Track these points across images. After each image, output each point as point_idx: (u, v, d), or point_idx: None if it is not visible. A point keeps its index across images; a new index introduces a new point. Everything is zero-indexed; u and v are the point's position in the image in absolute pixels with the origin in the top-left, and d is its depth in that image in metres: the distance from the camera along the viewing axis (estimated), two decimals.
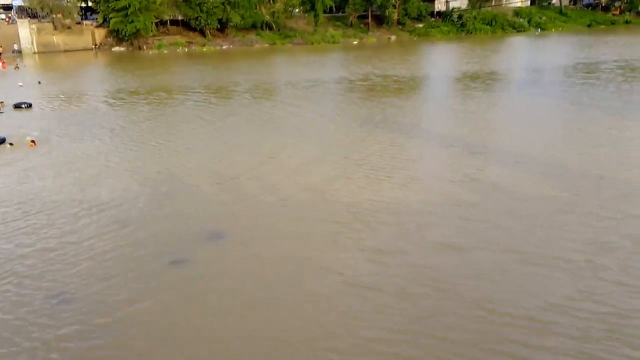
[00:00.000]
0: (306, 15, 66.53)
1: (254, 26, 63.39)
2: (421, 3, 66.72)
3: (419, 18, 67.78)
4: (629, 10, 73.81)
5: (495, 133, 18.60)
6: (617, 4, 74.87)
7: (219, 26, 61.61)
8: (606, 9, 75.31)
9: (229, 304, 8.27)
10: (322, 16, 65.41)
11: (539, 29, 66.76)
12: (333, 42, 61.85)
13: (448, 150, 16.13)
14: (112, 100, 27.40)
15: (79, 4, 63.41)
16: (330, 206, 11.85)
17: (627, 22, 71.59)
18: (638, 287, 8.23)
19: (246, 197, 12.67)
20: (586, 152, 15.39)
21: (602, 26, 70.14)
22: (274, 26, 63.97)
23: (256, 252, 9.85)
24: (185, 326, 7.73)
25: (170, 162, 15.86)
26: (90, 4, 64.08)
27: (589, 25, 70.29)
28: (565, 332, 7.27)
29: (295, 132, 19.07)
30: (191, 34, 62.39)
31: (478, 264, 9.11)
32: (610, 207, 11.26)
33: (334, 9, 70.33)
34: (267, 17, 63.22)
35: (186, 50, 59.19)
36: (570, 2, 76.94)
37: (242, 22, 61.26)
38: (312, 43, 61.54)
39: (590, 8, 76.73)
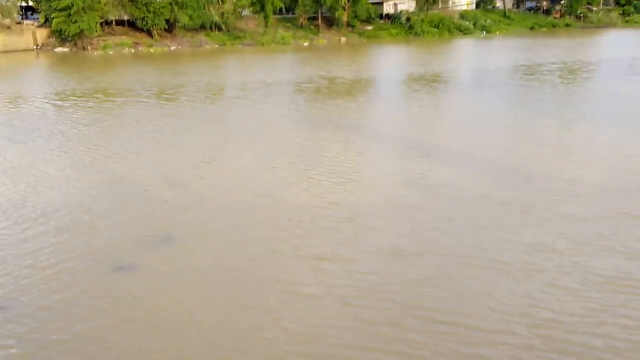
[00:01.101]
0: (256, 16, 66.31)
1: (203, 27, 62.72)
2: (370, 5, 67.60)
3: (368, 20, 68.63)
4: (569, 14, 76.87)
5: (441, 135, 18.98)
6: (557, 7, 77.80)
7: (166, 27, 60.67)
8: (547, 12, 78.15)
9: (161, 320, 8.09)
10: (272, 17, 65.31)
11: (484, 32, 68.65)
12: (283, 44, 61.86)
13: (394, 152, 16.33)
14: (53, 103, 26.55)
15: (18, 3, 61.24)
16: (273, 211, 11.77)
17: (567, 25, 74.56)
18: (575, 290, 8.43)
19: (191, 202, 12.51)
20: (528, 153, 15.80)
21: (544, 29, 72.73)
22: (224, 27, 63.48)
23: (196, 261, 9.67)
24: (119, 341, 7.53)
25: (114, 166, 15.47)
26: (30, 3, 61.94)
27: (531, 28, 72.78)
28: (506, 341, 7.25)
29: (243, 134, 18.95)
30: (138, 34, 61.19)
31: (423, 270, 9.10)
32: (551, 208, 11.49)
33: (283, 10, 70.34)
34: (217, 18, 62.68)
35: (132, 51, 58.00)
36: (513, 5, 79.44)
37: (190, 23, 60.51)
38: (263, 44, 61.40)
39: (532, 11, 79.46)
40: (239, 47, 60.54)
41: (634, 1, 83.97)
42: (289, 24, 67.79)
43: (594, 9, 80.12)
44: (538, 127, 19.23)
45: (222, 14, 63.11)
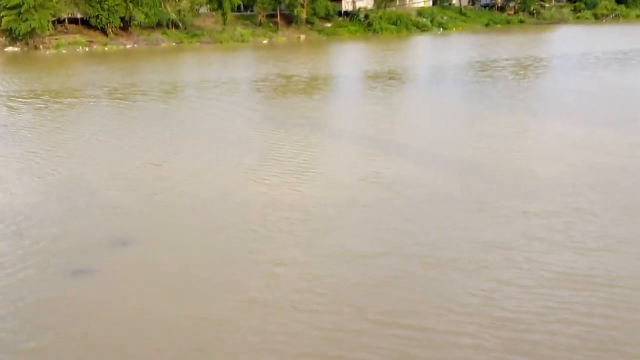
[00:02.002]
0: (214, 13, 65.43)
1: (159, 25, 61.47)
2: (329, 2, 67.52)
3: (327, 17, 68.53)
4: (523, 11, 78.58)
5: (397, 132, 19.05)
6: (511, 4, 79.43)
7: (121, 25, 59.23)
8: (502, 9, 79.69)
9: (111, 332, 7.81)
10: (230, 15, 64.53)
11: (441, 29, 69.49)
12: (242, 41, 61.25)
13: (350, 151, 16.28)
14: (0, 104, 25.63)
15: None
16: (228, 214, 11.54)
17: (521, 21, 76.21)
18: (529, 287, 8.49)
19: (144, 205, 12.18)
20: (482, 150, 15.96)
21: (499, 25, 74.11)
22: (181, 25, 62.41)
23: (148, 269, 9.39)
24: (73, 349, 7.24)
25: (62, 170, 14.95)
26: None
27: (486, 25, 74.06)
28: (462, 343, 7.24)
29: (196, 134, 18.56)
30: (92, 32, 59.56)
31: (378, 272, 9.03)
32: (505, 205, 11.60)
33: (242, 7, 69.66)
34: (173, 15, 61.55)
35: (87, 49, 56.47)
36: (469, 2, 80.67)
37: (146, 21, 59.21)
38: (221, 42, 60.63)
39: (487, 8, 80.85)
40: (196, 45, 59.62)
41: None
42: (247, 22, 67.13)
43: (547, 5, 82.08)
44: (492, 123, 19.51)
45: (179, 11, 62.00)
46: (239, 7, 67.74)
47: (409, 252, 9.73)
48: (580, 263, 9.15)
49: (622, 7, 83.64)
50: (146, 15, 58.99)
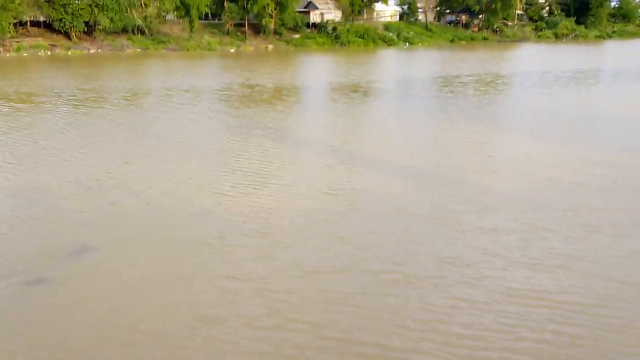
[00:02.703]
0: (181, 21, 64.95)
1: (125, 30, 60.72)
2: (297, 14, 67.86)
3: (295, 28, 68.81)
4: (486, 28, 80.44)
5: (359, 146, 19.08)
6: (476, 21, 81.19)
7: (86, 29, 58.27)
8: (466, 26, 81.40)
9: (61, 348, 7.54)
10: (197, 22, 64.18)
11: (407, 43, 70.50)
12: (209, 49, 60.95)
13: (310, 164, 16.23)
14: None
15: None
16: (186, 226, 11.34)
17: (485, 38, 78.00)
18: (485, 303, 8.55)
19: (99, 215, 11.87)
20: (443, 164, 16.07)
21: (463, 42, 75.64)
22: (147, 31, 61.74)
23: (104, 283, 9.12)
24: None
25: (21, 176, 14.53)
26: None
27: (451, 41, 75.51)
28: None
29: (155, 144, 18.27)
30: (55, 36, 58.41)
31: (337, 287, 8.95)
32: (464, 220, 11.70)
33: (209, 15, 69.37)
34: (139, 21, 60.88)
35: (49, 53, 55.30)
36: (434, 18, 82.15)
37: (111, 26, 58.39)
38: (188, 49, 60.21)
39: (452, 25, 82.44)
40: (162, 52, 59.01)
41: (546, 17, 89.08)
42: (215, 30, 66.84)
43: (510, 24, 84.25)
44: (453, 138, 19.78)
45: (145, 17, 61.36)
46: (206, 15, 67.47)
47: (368, 267, 9.69)
48: (534, 280, 9.27)
49: (582, 27, 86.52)
50: (111, 20, 58.22)
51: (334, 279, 9.30)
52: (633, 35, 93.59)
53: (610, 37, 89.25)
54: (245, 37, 65.95)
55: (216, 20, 70.33)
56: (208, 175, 14.75)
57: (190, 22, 63.15)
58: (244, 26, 66.69)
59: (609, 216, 12.04)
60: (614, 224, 11.61)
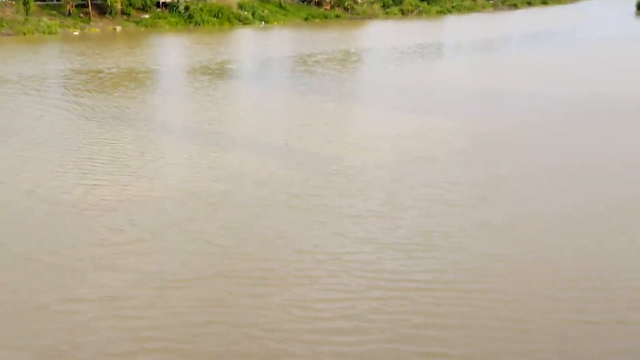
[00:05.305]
0: (14, 2, 59.12)
1: None
2: None
3: (144, 8, 65.62)
4: (338, 6, 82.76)
5: (229, 125, 19.08)
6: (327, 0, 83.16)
7: None
8: (319, 4, 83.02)
9: None
10: (33, 4, 58.79)
11: (263, 22, 70.44)
12: (50, 33, 56.26)
13: (184, 143, 16.04)
14: None
15: None
16: (43, 221, 10.76)
17: (337, 16, 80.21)
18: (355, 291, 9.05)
19: None
20: (303, 144, 16.62)
21: (317, 20, 77.18)
22: None
23: None
24: None
25: None
26: None
27: (306, 19, 76.65)
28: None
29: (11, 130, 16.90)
30: None
31: (187, 298, 8.64)
32: (327, 205, 12.13)
33: None
34: None
35: None
36: None
37: None
38: (25, 34, 55.07)
39: (305, 3, 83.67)
40: None
41: None
42: (54, 12, 61.62)
43: (359, 1, 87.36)
44: (309, 117, 20.45)
45: None
46: None
47: (219, 272, 9.36)
48: (399, 261, 9.73)
49: (425, 4, 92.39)
50: None
51: (184, 291, 8.83)
52: (469, 9, 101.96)
53: (450, 12, 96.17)
54: (90, 19, 61.64)
55: (55, 1, 64.88)
56: (48, 169, 13.84)
57: (25, 3, 57.61)
58: (87, 7, 62.27)
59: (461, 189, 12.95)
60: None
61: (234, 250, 10.10)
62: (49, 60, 37.35)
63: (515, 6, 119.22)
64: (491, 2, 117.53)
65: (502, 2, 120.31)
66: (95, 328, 7.91)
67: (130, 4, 63.43)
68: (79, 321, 8.05)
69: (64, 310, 8.28)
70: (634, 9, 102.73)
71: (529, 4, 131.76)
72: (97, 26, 60.99)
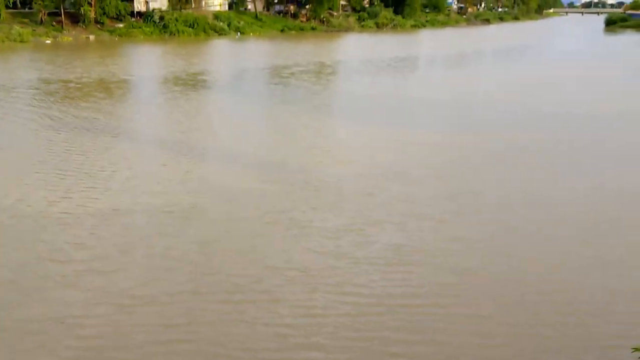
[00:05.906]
0: None
1: None
2: (120, 2, 64.11)
3: (118, 18, 64.99)
4: (314, 18, 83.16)
5: (201, 137, 18.81)
6: (303, 12, 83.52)
7: None
8: (295, 16, 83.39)
9: None
10: (4, 11, 57.76)
11: (239, 33, 70.32)
12: (21, 41, 55.29)
13: (155, 155, 15.74)
14: None
15: None
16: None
17: (313, 28, 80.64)
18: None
19: None
20: (286, 155, 16.42)
21: (293, 32, 77.37)
22: None
23: None
24: None
25: None
26: None
27: (282, 31, 76.85)
28: None
29: None
30: None
31: (168, 309, 8.47)
32: (300, 220, 11.96)
33: (18, 4, 62.76)
34: None
35: None
36: (264, 8, 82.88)
37: None
38: None
39: (281, 15, 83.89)
40: None
41: (367, 8, 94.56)
42: (26, 20, 60.59)
43: (335, 14, 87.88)
44: (282, 129, 20.31)
45: None
46: (14, 3, 60.92)
47: (193, 288, 9.07)
48: (370, 276, 9.63)
49: (399, 17, 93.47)
50: None
51: (151, 309, 8.49)
52: (443, 24, 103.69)
53: (424, 26, 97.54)
54: (63, 27, 60.77)
55: (27, 9, 63.79)
56: (10, 182, 13.40)
57: None
58: (60, 15, 61.39)
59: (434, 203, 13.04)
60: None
61: (203, 266, 9.81)
62: (18, 69, 36.62)
63: (487, 21, 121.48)
64: (464, 17, 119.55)
65: (475, 17, 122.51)
66: (55, 349, 7.56)
67: (104, 13, 62.79)
68: (39, 341, 7.66)
69: (23, 330, 7.90)
70: (602, 25, 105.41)
71: (501, 19, 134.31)
72: (70, 35, 60.16)
